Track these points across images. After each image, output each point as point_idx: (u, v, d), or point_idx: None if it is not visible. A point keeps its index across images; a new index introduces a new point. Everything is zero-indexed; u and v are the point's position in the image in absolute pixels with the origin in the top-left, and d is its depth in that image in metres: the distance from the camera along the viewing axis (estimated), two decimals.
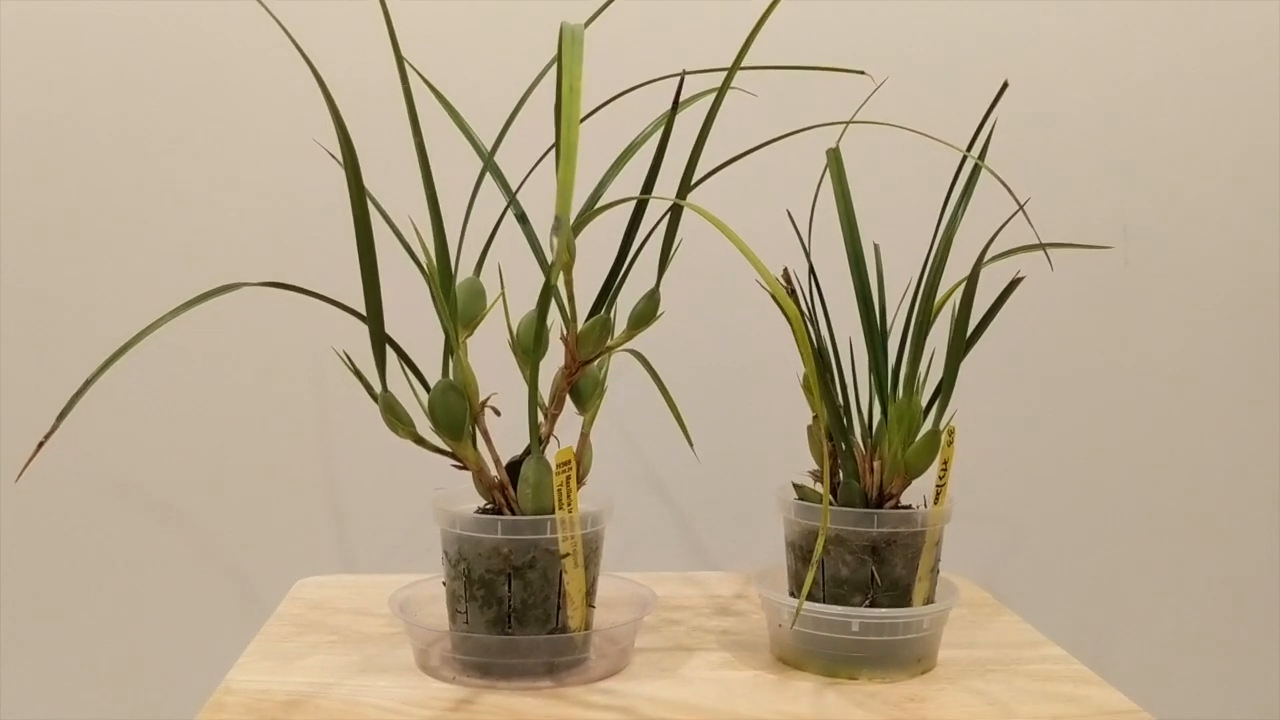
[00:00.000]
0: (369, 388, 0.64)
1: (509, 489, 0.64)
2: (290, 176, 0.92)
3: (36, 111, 0.91)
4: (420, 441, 0.64)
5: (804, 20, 0.93)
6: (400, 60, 0.60)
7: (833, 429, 0.66)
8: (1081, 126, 0.97)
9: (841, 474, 0.67)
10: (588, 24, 0.64)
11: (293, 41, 0.58)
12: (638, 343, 0.68)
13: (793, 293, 0.66)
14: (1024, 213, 0.56)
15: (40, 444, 0.47)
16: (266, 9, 0.59)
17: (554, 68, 0.63)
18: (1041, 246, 0.59)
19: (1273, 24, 0.97)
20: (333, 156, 0.63)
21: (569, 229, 0.38)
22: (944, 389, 0.65)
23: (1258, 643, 1.03)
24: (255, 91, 0.92)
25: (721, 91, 0.60)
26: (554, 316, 0.64)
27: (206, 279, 0.58)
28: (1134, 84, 0.97)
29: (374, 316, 0.60)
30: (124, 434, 0.93)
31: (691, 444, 0.76)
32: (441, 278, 0.63)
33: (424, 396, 0.63)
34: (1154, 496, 1.01)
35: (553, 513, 0.62)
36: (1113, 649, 1.02)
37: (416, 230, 0.64)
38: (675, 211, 0.63)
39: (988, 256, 0.61)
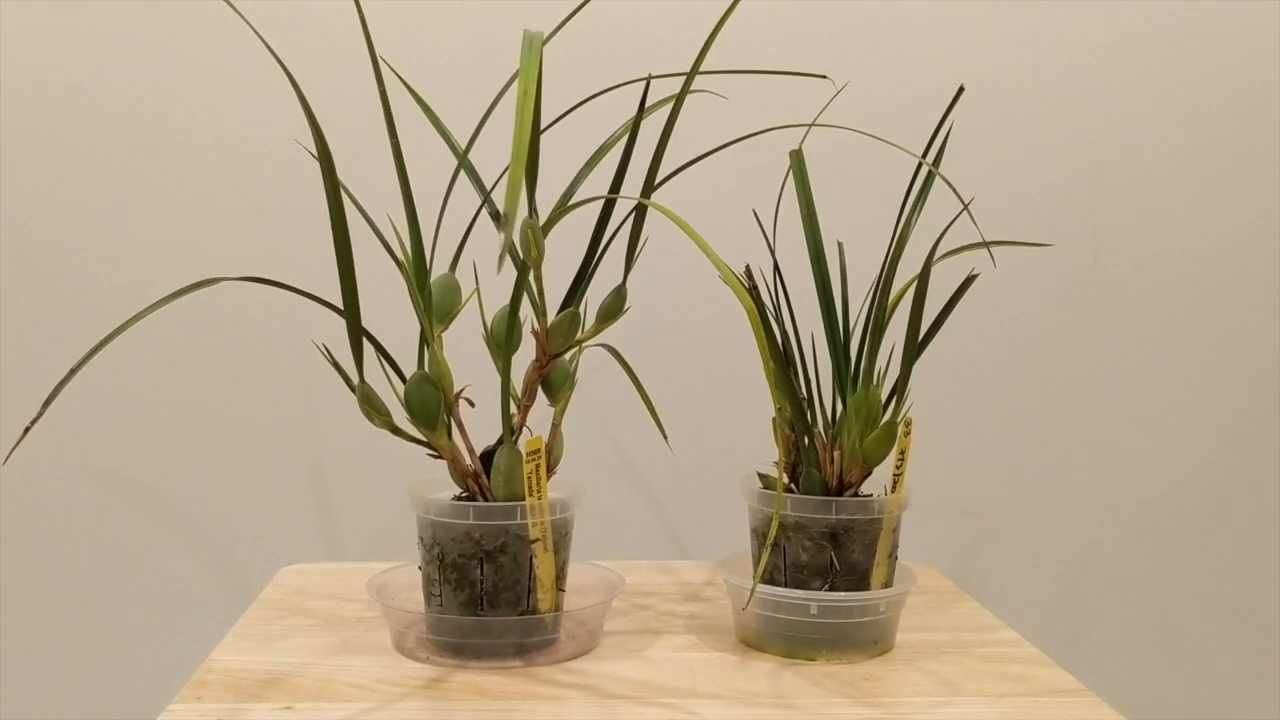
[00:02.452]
0: (347, 379, 0.66)
1: (482, 477, 0.67)
2: (272, 174, 0.95)
3: (19, 110, 0.93)
4: (397, 431, 0.67)
5: (773, 24, 0.95)
6: (375, 60, 0.62)
7: (794, 420, 0.68)
8: (1050, 126, 0.99)
9: (804, 463, 0.69)
10: (558, 29, 0.66)
11: (263, 41, 0.60)
12: (613, 338, 0.71)
13: (755, 289, 0.68)
14: (969, 214, 0.58)
15: (26, 429, 0.49)
16: (235, 9, 0.62)
17: None
18: (985, 244, 0.62)
19: (1239, 25, 0.99)
20: (310, 153, 0.65)
21: (513, 226, 0.40)
22: (900, 382, 0.68)
23: (1224, 635, 1.05)
24: (235, 89, 0.94)
25: (681, 96, 0.62)
26: (526, 311, 0.67)
27: (190, 274, 0.60)
28: (1100, 84, 0.99)
29: (351, 310, 0.63)
30: (112, 426, 0.96)
31: (665, 435, 0.78)
32: (417, 273, 0.66)
33: (400, 388, 0.66)
34: (1124, 490, 1.03)
35: (523, 499, 0.65)
36: (1081, 640, 1.04)
37: (394, 227, 0.66)
38: (640, 210, 0.65)
39: (939, 255, 0.63)
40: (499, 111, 0.70)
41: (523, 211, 0.62)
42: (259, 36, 0.60)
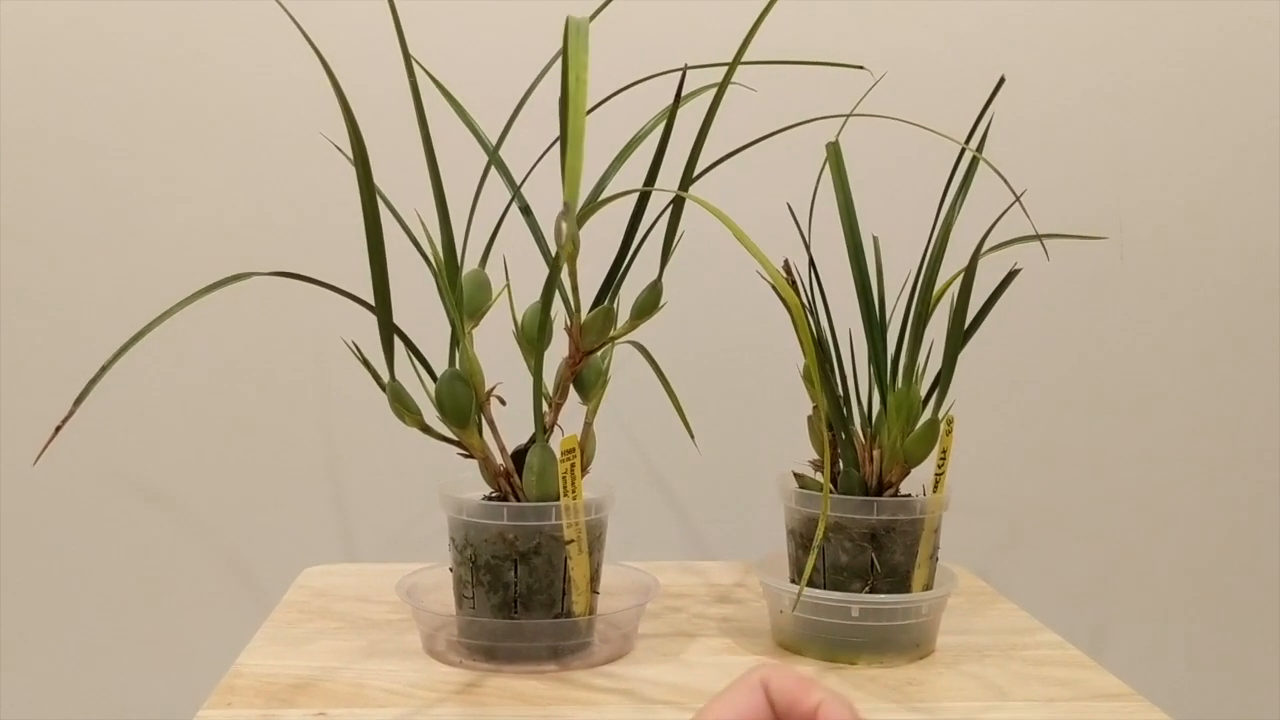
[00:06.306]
0: (377, 377, 0.65)
1: (514, 476, 0.66)
2: (293, 171, 0.93)
3: (49, 103, 0.92)
4: (427, 430, 0.65)
5: (805, 15, 0.94)
6: (407, 56, 0.60)
7: (833, 418, 0.67)
8: (1077, 121, 0.98)
9: (841, 463, 0.68)
10: (592, 18, 0.65)
11: (307, 39, 0.59)
12: (638, 334, 0.69)
13: (793, 284, 0.67)
14: (1020, 204, 0.57)
15: (58, 428, 0.48)
16: (283, 7, 0.60)
17: (556, 63, 0.65)
18: (1039, 237, 0.60)
19: (1270, 20, 0.98)
20: (340, 150, 0.64)
21: (574, 214, 0.39)
22: (942, 379, 0.66)
23: (1252, 634, 1.04)
24: (263, 85, 0.92)
25: (723, 86, 0.61)
26: (558, 308, 0.65)
27: (212, 270, 0.59)
28: (1129, 79, 0.98)
29: (383, 308, 0.61)
30: (128, 425, 0.94)
31: (692, 435, 0.77)
32: (448, 269, 0.64)
33: (431, 386, 0.64)
34: (1151, 488, 1.02)
35: (557, 499, 0.63)
36: (1108, 641, 1.03)
37: (423, 223, 0.65)
38: (678, 204, 0.64)
39: (985, 248, 0.62)
40: (528, 106, 0.68)
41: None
42: (304, 34, 0.59)
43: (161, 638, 0.96)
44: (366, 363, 0.65)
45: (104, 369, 0.50)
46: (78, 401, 0.48)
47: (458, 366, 0.65)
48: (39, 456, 0.47)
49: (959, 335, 0.64)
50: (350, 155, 0.58)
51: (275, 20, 0.63)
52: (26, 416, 0.93)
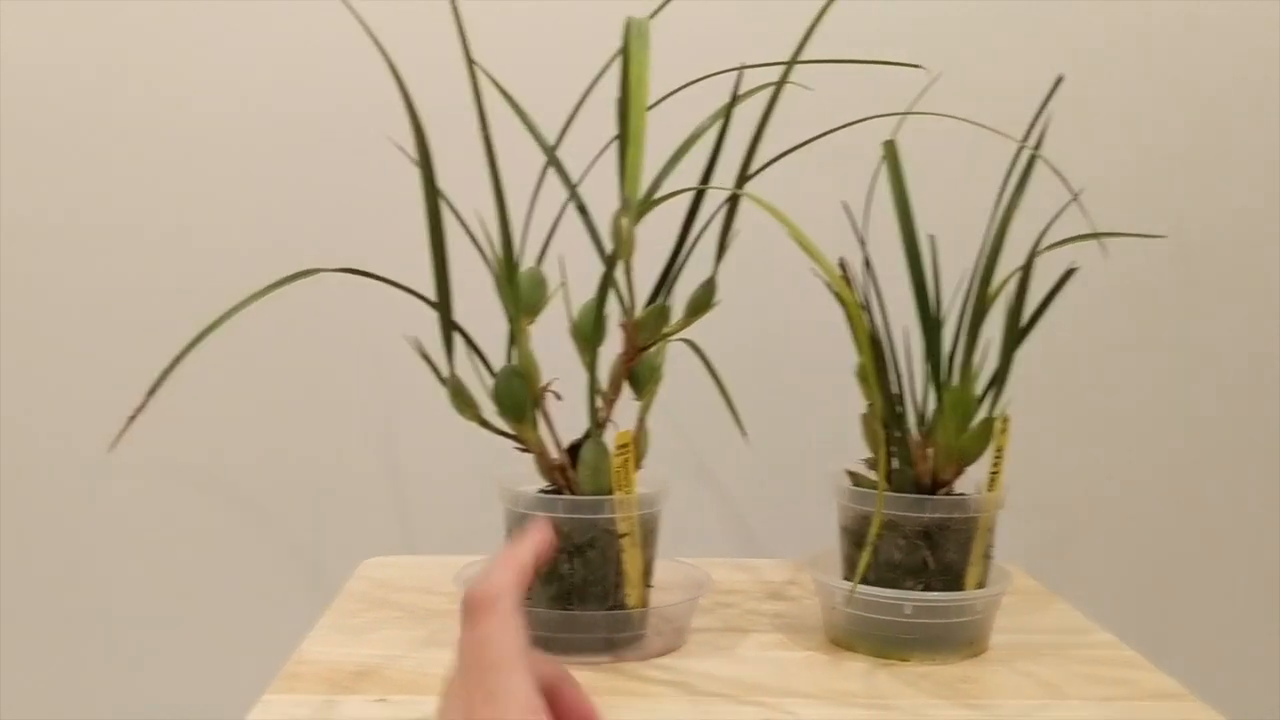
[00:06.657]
0: (437, 372, 0.66)
1: (569, 470, 0.67)
2: (358, 172, 0.95)
3: (119, 102, 0.94)
4: (485, 424, 0.66)
5: (860, 13, 0.94)
6: (469, 59, 0.62)
7: (887, 416, 0.67)
8: (1135, 120, 0.97)
9: (896, 460, 0.68)
10: (651, 17, 0.66)
11: (378, 46, 0.60)
12: (691, 330, 0.70)
13: (848, 282, 0.67)
14: (1079, 203, 0.57)
15: (131, 417, 0.50)
16: (352, 10, 0.62)
17: (614, 64, 0.65)
18: (1096, 236, 0.60)
19: None
20: (404, 152, 0.65)
21: (634, 211, 0.40)
22: (998, 377, 0.66)
23: None
24: (333, 92, 0.94)
25: (780, 85, 0.61)
26: (613, 305, 0.66)
27: (279, 267, 0.60)
28: (1188, 77, 0.97)
29: (444, 305, 0.63)
30: (192, 419, 0.96)
31: (744, 432, 0.77)
32: (506, 267, 0.65)
33: (489, 381, 0.66)
34: (1206, 488, 1.01)
35: (611, 494, 0.64)
36: (1162, 641, 1.01)
37: (482, 223, 0.66)
38: (733, 202, 0.64)
39: (1042, 246, 0.62)
40: (584, 107, 0.69)
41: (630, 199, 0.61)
42: (372, 37, 0.60)
43: (225, 625, 0.99)
44: (427, 358, 0.67)
45: (175, 361, 0.51)
46: (150, 392, 0.50)
47: (515, 362, 0.66)
48: (115, 442, 0.48)
49: (1014, 334, 0.64)
50: (414, 157, 0.59)
51: (341, 25, 0.65)
52: (97, 408, 0.96)
